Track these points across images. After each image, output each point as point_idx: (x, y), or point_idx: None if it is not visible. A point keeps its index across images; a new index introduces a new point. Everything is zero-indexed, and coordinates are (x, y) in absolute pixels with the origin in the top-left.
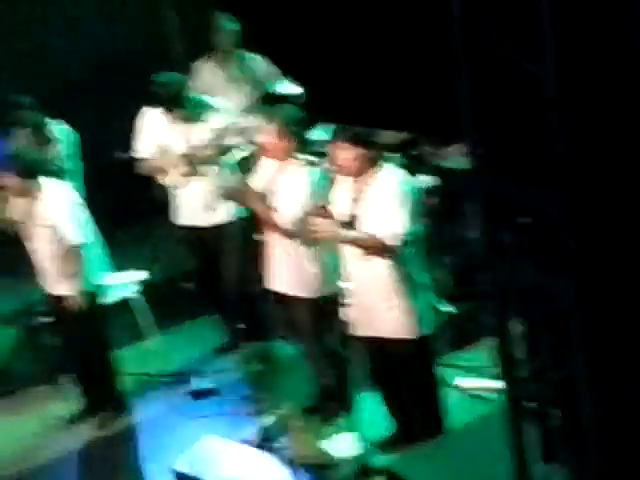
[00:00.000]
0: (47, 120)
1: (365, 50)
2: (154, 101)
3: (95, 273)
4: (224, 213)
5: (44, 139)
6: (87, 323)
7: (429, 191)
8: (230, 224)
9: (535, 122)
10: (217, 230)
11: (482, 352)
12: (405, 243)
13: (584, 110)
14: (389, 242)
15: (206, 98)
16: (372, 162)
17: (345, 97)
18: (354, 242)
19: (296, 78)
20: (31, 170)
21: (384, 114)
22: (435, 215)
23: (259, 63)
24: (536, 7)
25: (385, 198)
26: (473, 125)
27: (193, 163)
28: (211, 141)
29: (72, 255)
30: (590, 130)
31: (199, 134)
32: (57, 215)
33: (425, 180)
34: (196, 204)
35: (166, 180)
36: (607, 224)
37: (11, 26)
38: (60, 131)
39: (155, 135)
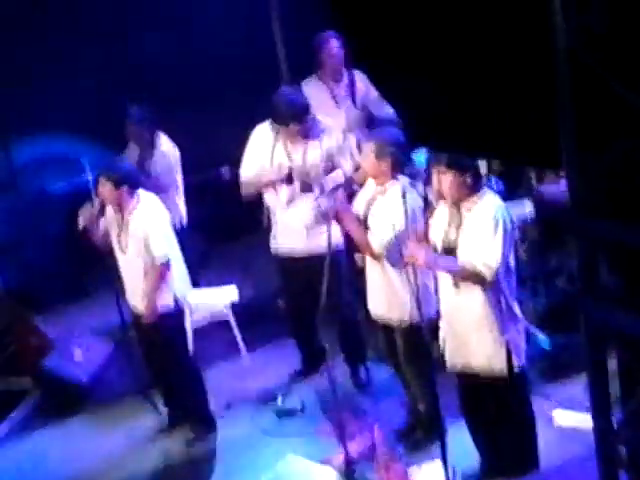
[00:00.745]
0: (155, 133)
1: (469, 78)
2: (275, 116)
3: (180, 292)
4: (324, 240)
5: (150, 152)
6: (170, 340)
7: (530, 220)
8: (328, 248)
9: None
10: (316, 259)
11: (580, 385)
12: (499, 273)
13: None
14: (483, 271)
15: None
16: (471, 188)
17: (446, 124)
18: (447, 269)
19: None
20: (127, 182)
21: (485, 144)
22: (535, 244)
23: (364, 83)
24: None
25: (482, 226)
26: (575, 160)
27: (304, 181)
28: (322, 159)
29: (154, 271)
30: None
31: (314, 152)
32: (148, 228)
33: (526, 209)
34: (297, 228)
35: (270, 200)
36: None
37: (124, 39)
38: (166, 145)
39: (264, 153)
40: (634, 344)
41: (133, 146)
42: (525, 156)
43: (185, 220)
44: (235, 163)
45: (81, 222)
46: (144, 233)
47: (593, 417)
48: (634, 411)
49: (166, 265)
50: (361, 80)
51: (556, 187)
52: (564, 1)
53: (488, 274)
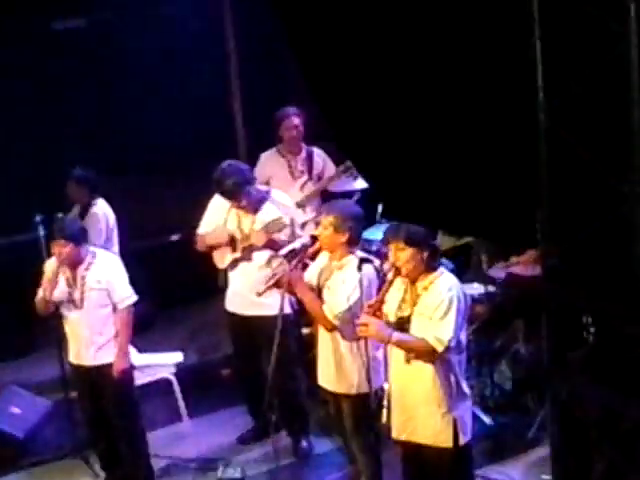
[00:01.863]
0: (93, 196)
1: (441, 150)
2: (217, 189)
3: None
4: (272, 305)
5: (86, 215)
6: (127, 395)
7: (478, 300)
8: (276, 317)
9: (615, 239)
10: (263, 321)
11: (520, 467)
12: (451, 349)
13: None
14: (435, 346)
15: (264, 191)
16: (428, 266)
17: (414, 196)
18: (400, 344)
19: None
20: (84, 239)
21: (454, 218)
22: (483, 324)
23: (321, 159)
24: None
25: (437, 302)
26: (550, 236)
27: (246, 248)
28: (260, 230)
29: (123, 317)
30: None
31: (250, 223)
32: (110, 277)
33: (476, 288)
34: (245, 291)
35: (218, 261)
36: None
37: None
38: (100, 210)
39: (220, 215)
40: (597, 417)
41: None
42: (500, 233)
43: None
44: (186, 229)
45: (46, 294)
46: (107, 283)
47: None
48: None
49: (133, 308)
50: (318, 155)
51: (504, 272)
52: (546, 81)
53: (440, 348)
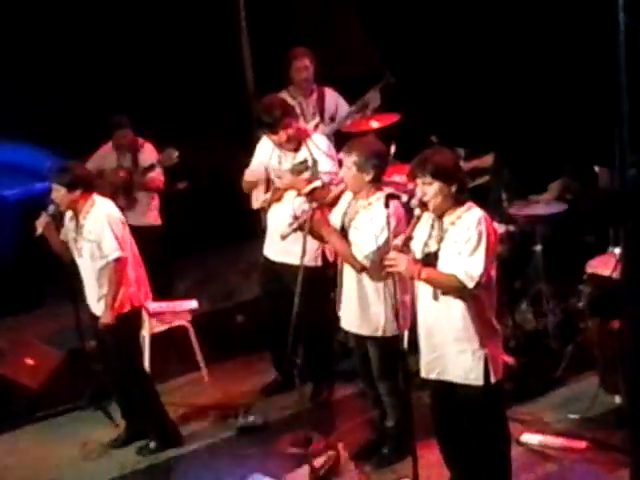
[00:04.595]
0: (138, 140)
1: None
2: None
3: (137, 298)
4: (298, 254)
5: (134, 157)
6: (125, 346)
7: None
8: (300, 258)
9: None
10: (291, 270)
11: (547, 406)
12: (481, 285)
13: None
14: (465, 282)
15: (304, 131)
16: (456, 200)
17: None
18: (429, 280)
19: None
20: (80, 185)
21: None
22: (502, 266)
23: (334, 99)
24: None
25: (465, 237)
26: (628, 146)
27: (273, 189)
28: (285, 170)
29: (109, 271)
30: None
31: (290, 160)
32: (100, 230)
33: (495, 227)
34: (274, 235)
35: (253, 201)
36: None
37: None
38: (149, 152)
39: (264, 156)
40: None
41: (108, 151)
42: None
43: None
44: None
45: (38, 230)
46: (96, 236)
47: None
48: None
49: (120, 263)
50: (331, 96)
51: (524, 210)
52: None
53: (470, 284)
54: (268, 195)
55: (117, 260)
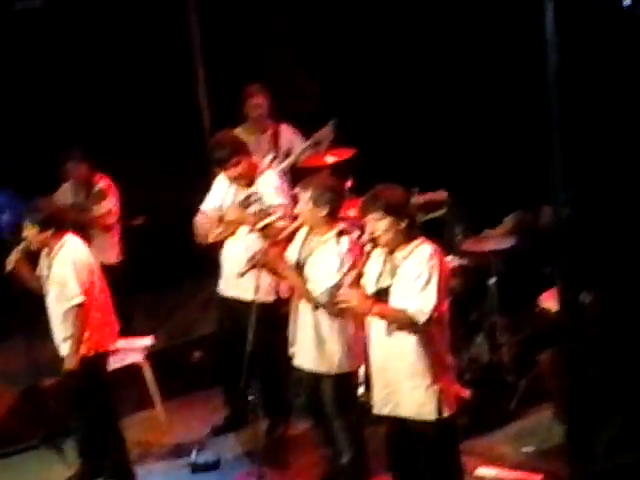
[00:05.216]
0: (94, 174)
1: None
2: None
3: (102, 340)
4: (251, 289)
5: (88, 192)
6: (89, 390)
7: (452, 273)
8: (259, 303)
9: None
10: (244, 305)
11: (502, 439)
12: (433, 320)
13: None
14: (417, 317)
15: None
16: (407, 236)
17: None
18: (381, 315)
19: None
20: (52, 224)
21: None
22: (458, 296)
23: (289, 135)
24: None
25: (417, 273)
26: (562, 185)
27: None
28: (242, 202)
29: (72, 316)
30: None
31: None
32: (66, 272)
33: (449, 261)
34: (228, 271)
35: (203, 239)
36: None
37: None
38: (105, 185)
39: (218, 192)
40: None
41: (67, 187)
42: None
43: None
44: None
45: (8, 267)
46: (61, 278)
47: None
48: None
49: (83, 309)
50: (286, 132)
51: (481, 244)
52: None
53: (422, 319)
54: (221, 229)
55: (79, 306)
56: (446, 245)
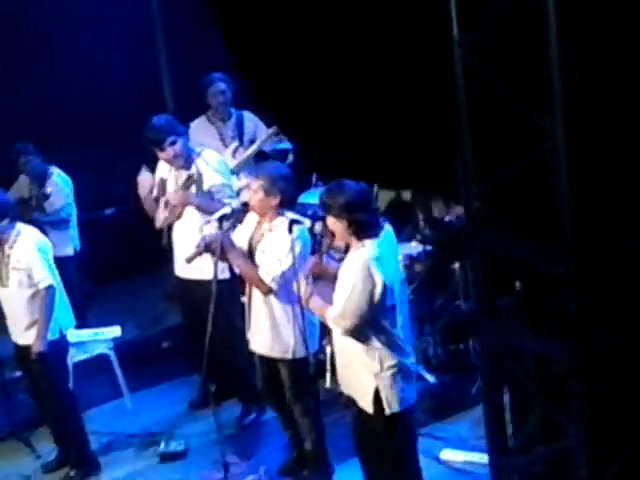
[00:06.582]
0: (47, 167)
1: (360, 101)
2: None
3: (64, 325)
4: (206, 269)
5: (42, 185)
6: (56, 373)
7: (416, 258)
8: (212, 282)
9: (534, 177)
10: (202, 286)
11: (466, 423)
12: (349, 328)
13: (589, 165)
14: (334, 323)
15: (194, 149)
16: (354, 235)
17: (341, 153)
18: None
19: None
20: (6, 215)
21: (382, 171)
22: (423, 282)
23: (252, 123)
24: (544, 59)
25: (345, 276)
26: (471, 179)
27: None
28: (183, 183)
29: (41, 299)
30: (595, 185)
31: (184, 177)
32: (30, 259)
33: (414, 247)
34: (179, 254)
35: (156, 221)
36: (610, 284)
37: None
38: (59, 178)
39: (164, 172)
40: (527, 364)
41: (23, 181)
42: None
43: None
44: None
45: None
46: (26, 264)
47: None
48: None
49: (51, 290)
50: (249, 119)
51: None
52: (459, 17)
53: (342, 327)
54: (167, 214)
55: (48, 288)
56: (411, 229)
